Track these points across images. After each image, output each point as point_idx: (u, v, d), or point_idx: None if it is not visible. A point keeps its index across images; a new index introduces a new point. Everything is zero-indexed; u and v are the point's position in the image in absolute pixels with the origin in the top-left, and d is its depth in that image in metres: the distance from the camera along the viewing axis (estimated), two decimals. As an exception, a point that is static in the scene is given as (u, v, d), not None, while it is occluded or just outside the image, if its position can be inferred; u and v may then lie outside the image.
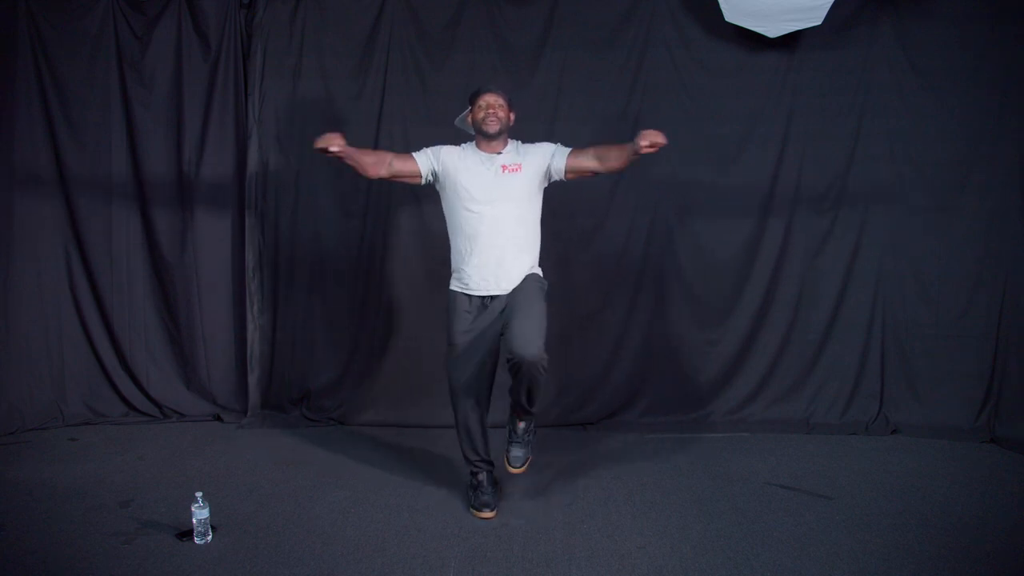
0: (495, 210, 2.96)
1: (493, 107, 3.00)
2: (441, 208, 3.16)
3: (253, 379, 4.18)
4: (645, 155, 2.90)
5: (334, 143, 2.92)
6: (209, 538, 2.75)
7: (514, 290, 2.98)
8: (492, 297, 2.99)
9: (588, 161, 3.04)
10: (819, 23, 3.74)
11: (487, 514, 3.00)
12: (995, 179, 3.93)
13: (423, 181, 3.11)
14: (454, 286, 3.07)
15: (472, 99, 3.07)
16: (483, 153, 3.05)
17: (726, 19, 3.80)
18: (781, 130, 4.02)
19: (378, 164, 3.08)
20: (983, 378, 3.99)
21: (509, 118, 3.06)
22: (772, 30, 3.83)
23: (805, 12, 3.72)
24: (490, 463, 3.14)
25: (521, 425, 3.07)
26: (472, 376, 3.02)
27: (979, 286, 3.98)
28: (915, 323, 4.04)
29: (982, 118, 3.91)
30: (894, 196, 4.01)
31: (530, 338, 2.77)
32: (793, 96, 4.00)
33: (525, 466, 3.03)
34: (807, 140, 4.02)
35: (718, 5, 3.77)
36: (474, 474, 3.12)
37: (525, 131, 3.20)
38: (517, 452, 3.04)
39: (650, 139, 2.84)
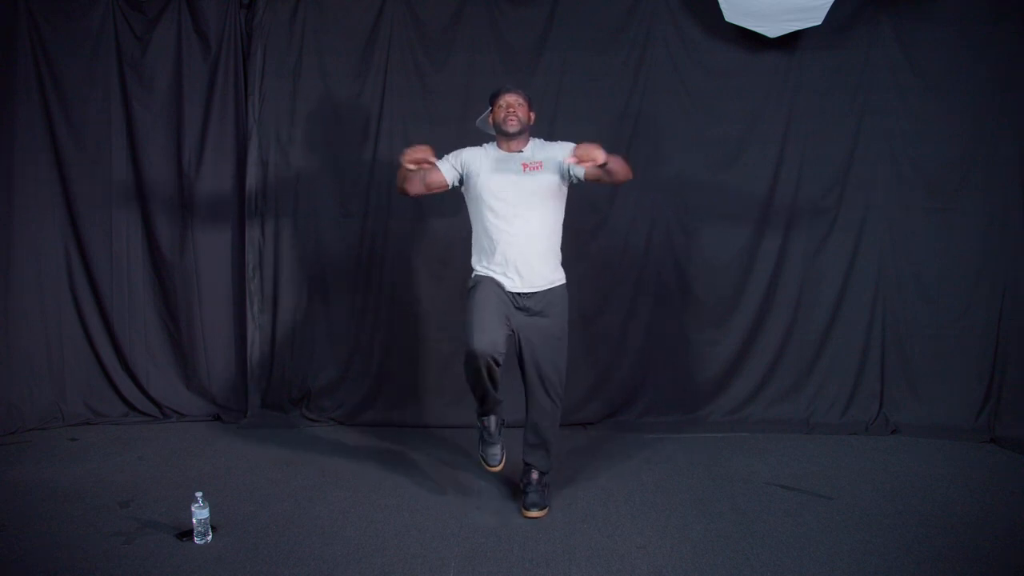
0: (517, 209, 2.97)
1: (513, 106, 3.02)
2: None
3: (253, 379, 4.18)
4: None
5: (430, 157, 2.88)
6: (209, 538, 2.75)
7: (544, 316, 2.99)
8: (520, 295, 2.99)
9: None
10: (819, 23, 3.75)
11: (495, 467, 3.05)
12: (995, 179, 3.94)
13: (450, 186, 3.12)
14: (480, 272, 3.05)
15: (492, 99, 3.09)
16: (504, 152, 3.06)
17: (726, 19, 3.80)
18: (781, 130, 4.03)
19: (418, 181, 3.07)
20: (983, 378, 3.99)
21: (529, 117, 3.08)
22: (772, 30, 3.83)
23: (805, 12, 3.72)
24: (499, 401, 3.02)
25: (535, 476, 3.09)
26: (490, 340, 2.83)
27: (979, 286, 3.98)
28: (915, 323, 4.04)
29: (982, 118, 3.92)
30: (894, 196, 4.02)
31: (550, 377, 3.02)
32: (793, 96, 4.00)
33: (543, 512, 3.02)
34: (807, 140, 4.02)
35: (718, 5, 3.77)
36: (482, 416, 3.00)
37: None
38: (534, 498, 3.03)
39: (577, 155, 2.81)
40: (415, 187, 3.06)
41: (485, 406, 2.99)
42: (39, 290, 4.08)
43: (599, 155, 2.78)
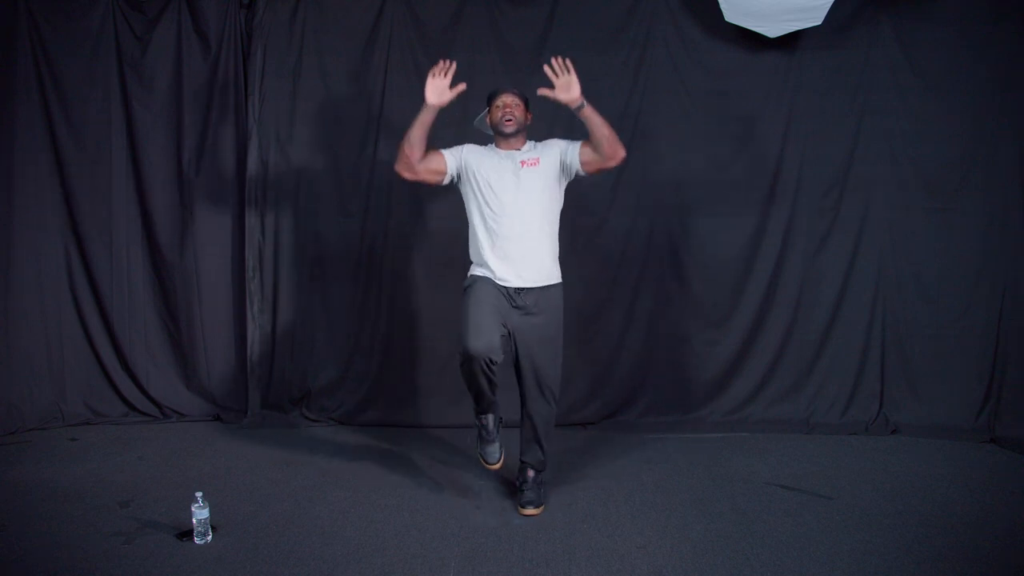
0: (515, 205, 2.99)
1: (510, 106, 3.06)
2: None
3: (253, 379, 4.18)
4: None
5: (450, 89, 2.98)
6: (209, 538, 2.75)
7: (539, 315, 2.99)
8: (518, 291, 2.99)
9: (590, 151, 3.04)
10: (819, 23, 3.75)
11: (494, 465, 3.09)
12: (995, 179, 3.94)
13: (446, 180, 3.11)
14: (476, 272, 3.06)
15: (489, 100, 3.13)
16: (502, 151, 3.10)
17: (726, 19, 3.80)
18: (781, 130, 4.02)
19: (420, 146, 3.03)
20: (983, 378, 3.99)
21: (526, 118, 3.12)
22: (772, 30, 3.83)
23: (805, 12, 3.72)
24: (495, 401, 3.02)
25: (531, 474, 3.11)
26: (486, 342, 2.82)
27: (979, 286, 3.98)
28: (915, 323, 4.04)
29: (982, 118, 3.91)
30: (894, 196, 4.02)
31: (546, 377, 3.04)
32: (793, 96, 4.00)
33: (539, 510, 3.04)
34: (807, 140, 4.02)
35: (718, 5, 3.77)
36: (480, 415, 3.02)
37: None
38: (530, 496, 3.05)
39: (558, 83, 2.96)
40: (416, 153, 3.00)
41: (481, 405, 3.02)
42: (39, 290, 4.08)
43: (575, 87, 2.95)
